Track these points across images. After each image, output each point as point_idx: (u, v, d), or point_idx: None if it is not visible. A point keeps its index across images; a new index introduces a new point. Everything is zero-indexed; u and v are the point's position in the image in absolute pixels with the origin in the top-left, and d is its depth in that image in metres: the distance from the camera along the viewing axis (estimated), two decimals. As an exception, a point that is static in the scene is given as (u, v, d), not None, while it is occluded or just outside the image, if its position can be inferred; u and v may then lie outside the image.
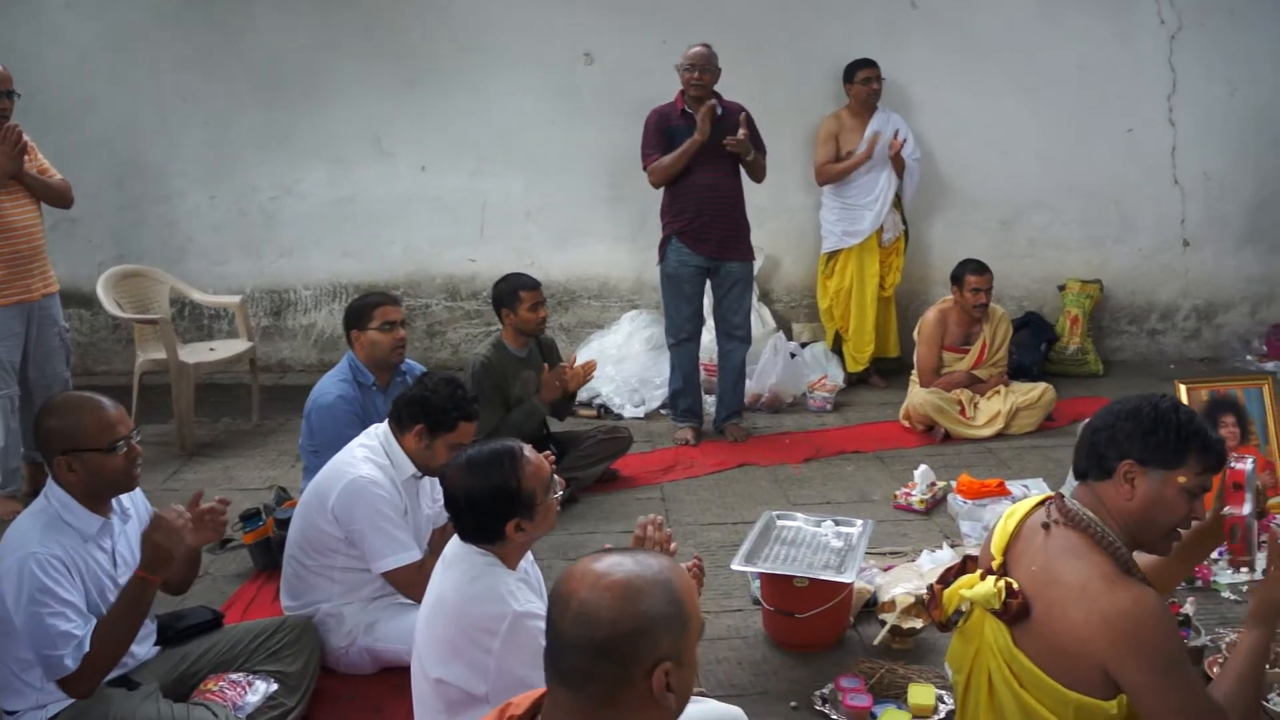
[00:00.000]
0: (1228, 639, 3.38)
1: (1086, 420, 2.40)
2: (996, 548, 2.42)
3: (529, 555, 2.74)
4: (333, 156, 6.91)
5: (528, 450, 2.57)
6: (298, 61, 6.77)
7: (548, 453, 2.69)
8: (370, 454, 3.36)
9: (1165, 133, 7.36)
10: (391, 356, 4.13)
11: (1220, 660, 3.09)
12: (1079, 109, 7.21)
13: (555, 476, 2.63)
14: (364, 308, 4.15)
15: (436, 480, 3.44)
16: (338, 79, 6.79)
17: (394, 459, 3.37)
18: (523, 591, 2.49)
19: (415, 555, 3.29)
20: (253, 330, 6.40)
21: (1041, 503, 2.45)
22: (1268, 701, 3.07)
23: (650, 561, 1.61)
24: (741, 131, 5.38)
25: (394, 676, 3.27)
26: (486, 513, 2.50)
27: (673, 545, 2.82)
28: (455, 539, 2.58)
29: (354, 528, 3.27)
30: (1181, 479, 2.23)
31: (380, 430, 3.42)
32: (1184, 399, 4.66)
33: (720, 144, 5.36)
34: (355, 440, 3.45)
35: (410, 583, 3.25)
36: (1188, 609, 3.44)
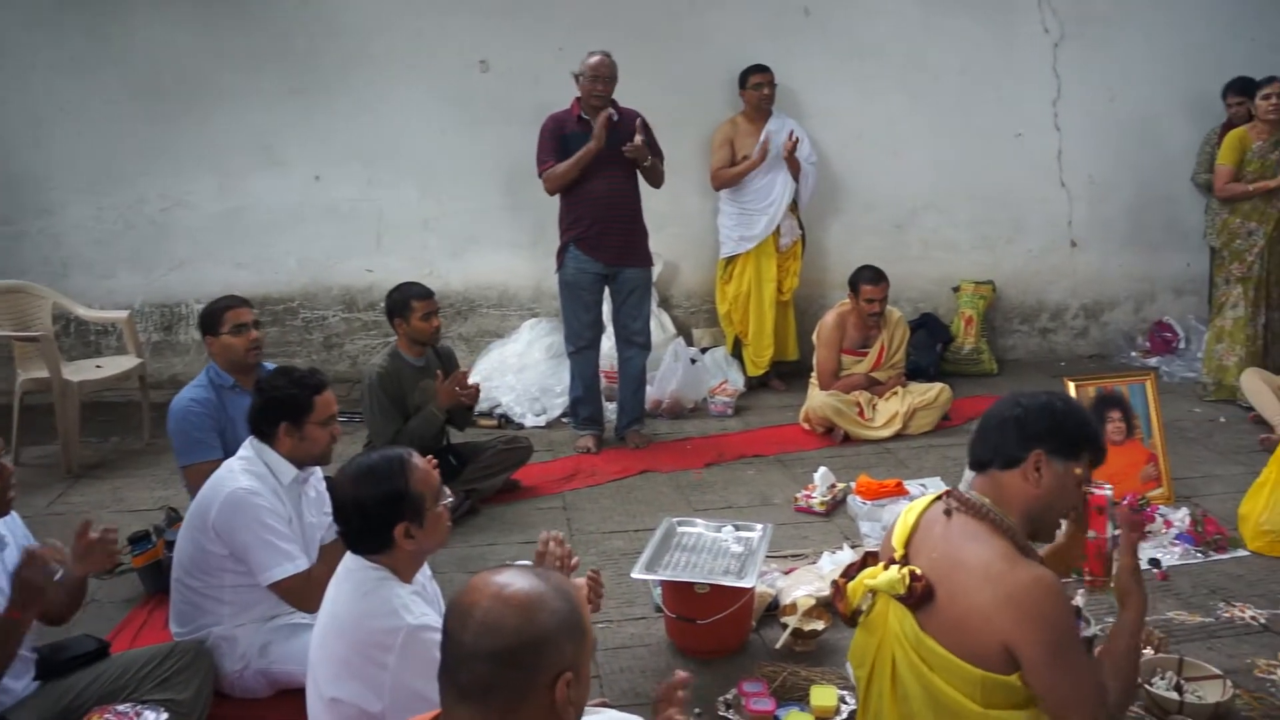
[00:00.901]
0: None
1: (986, 412, 2.48)
2: (897, 541, 2.50)
3: (425, 569, 2.69)
4: (222, 166, 6.75)
5: (415, 456, 2.54)
6: (181, 69, 6.60)
7: (430, 458, 2.64)
8: (248, 464, 3.27)
9: (1051, 137, 7.58)
10: (248, 358, 4.03)
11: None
12: (969, 114, 7.39)
13: (445, 488, 2.59)
14: (213, 313, 4.06)
15: (324, 492, 3.38)
16: (224, 87, 6.65)
17: (271, 466, 3.28)
18: (417, 604, 2.44)
19: (302, 564, 3.20)
20: (142, 346, 6.22)
21: (939, 498, 2.52)
22: (1151, 685, 3.16)
23: (548, 574, 1.65)
24: (638, 138, 5.39)
25: (291, 699, 3.17)
26: (375, 517, 2.45)
27: (574, 559, 2.81)
28: (349, 555, 2.53)
29: (237, 541, 3.18)
30: (1078, 470, 2.38)
31: (249, 442, 3.34)
32: (1072, 395, 4.79)
33: (617, 151, 5.37)
34: (233, 457, 3.36)
35: (300, 593, 3.17)
36: (1078, 600, 3.52)
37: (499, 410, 6.26)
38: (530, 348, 6.67)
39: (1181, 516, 4.58)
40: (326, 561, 3.10)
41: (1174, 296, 7.97)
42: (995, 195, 7.59)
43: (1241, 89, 7.01)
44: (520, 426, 6.11)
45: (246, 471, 3.26)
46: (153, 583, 4.01)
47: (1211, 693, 3.16)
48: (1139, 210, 7.79)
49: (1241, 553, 4.37)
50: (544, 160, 5.48)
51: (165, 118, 6.63)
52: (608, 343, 6.00)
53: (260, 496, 3.20)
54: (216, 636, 3.28)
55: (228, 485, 3.22)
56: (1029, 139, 7.56)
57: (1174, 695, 3.11)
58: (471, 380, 4.94)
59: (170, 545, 3.85)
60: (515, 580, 1.61)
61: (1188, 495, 4.98)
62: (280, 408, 3.27)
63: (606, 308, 5.81)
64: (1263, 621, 3.78)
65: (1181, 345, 7.68)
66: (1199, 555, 4.34)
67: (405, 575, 2.50)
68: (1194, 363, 7.26)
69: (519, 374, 6.47)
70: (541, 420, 6.19)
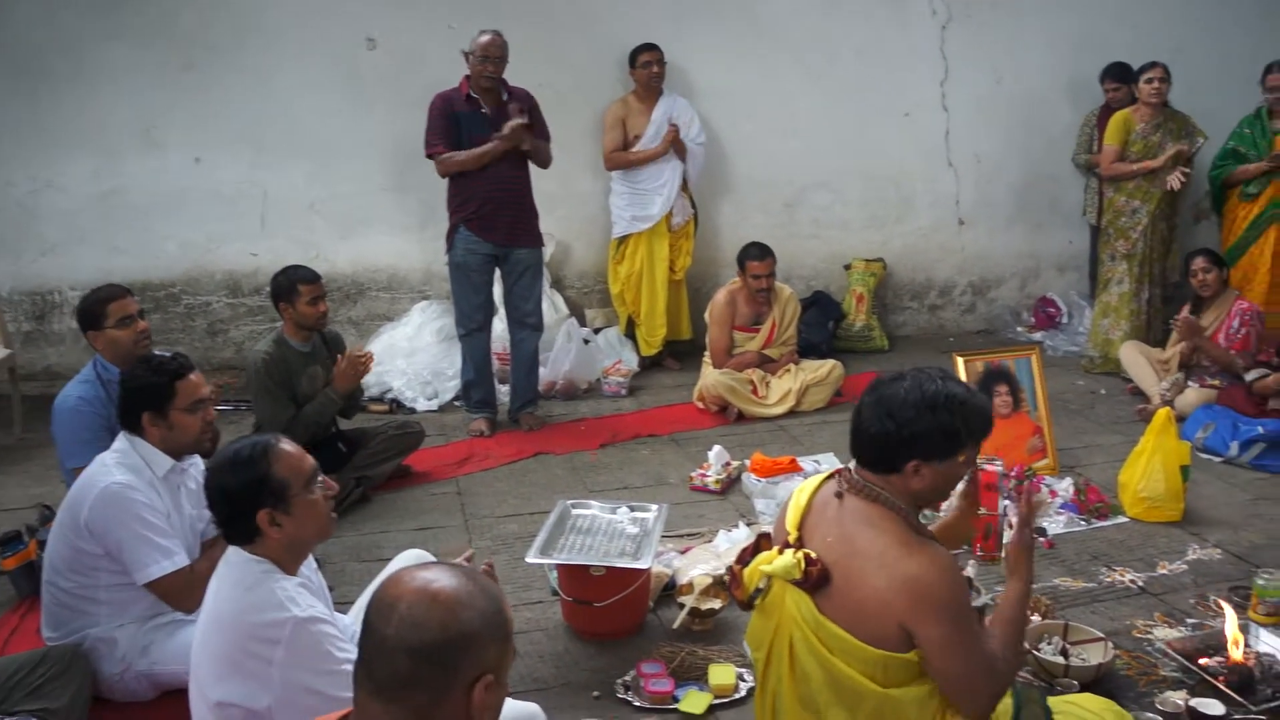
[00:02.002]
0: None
1: (859, 409, 2.41)
2: (791, 523, 2.49)
3: (311, 561, 2.61)
4: (97, 147, 6.49)
5: (284, 442, 2.45)
6: (55, 44, 6.31)
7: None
8: (121, 458, 3.13)
9: (939, 117, 7.70)
10: (137, 350, 3.84)
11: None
12: (860, 93, 7.47)
13: (323, 477, 2.50)
14: (94, 306, 3.83)
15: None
16: (101, 64, 6.38)
17: (146, 457, 3.15)
18: (304, 596, 2.36)
19: (181, 561, 3.07)
20: (10, 336, 5.95)
21: (830, 477, 2.52)
22: (1038, 651, 3.23)
23: (476, 574, 1.62)
24: (515, 120, 5.31)
25: (176, 700, 3.04)
26: (237, 503, 2.37)
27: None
28: (231, 549, 2.44)
29: (112, 538, 3.04)
30: (962, 457, 2.38)
31: (122, 435, 3.20)
32: (961, 372, 4.88)
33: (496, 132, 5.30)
34: (107, 450, 3.22)
35: (179, 592, 3.05)
36: (969, 571, 3.58)
37: (390, 395, 6.15)
38: (421, 331, 6.56)
39: (1066, 486, 4.70)
40: (209, 557, 3.00)
41: (1057, 273, 8.18)
42: (885, 174, 7.69)
43: (1119, 74, 7.22)
44: (412, 411, 6.01)
45: (120, 465, 3.12)
46: (25, 585, 3.83)
47: (1095, 655, 3.25)
48: (1023, 189, 7.97)
49: (1122, 519, 4.50)
50: (433, 142, 5.37)
51: (38, 94, 6.35)
52: (500, 325, 5.93)
53: (136, 491, 3.06)
54: (94, 639, 3.14)
55: (100, 481, 3.07)
56: (918, 119, 7.67)
57: (1060, 659, 3.19)
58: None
59: (44, 545, 3.68)
60: (442, 577, 1.57)
61: (1071, 465, 5.11)
62: (140, 397, 3.14)
63: (498, 289, 5.73)
64: (1141, 584, 3.90)
65: (1064, 320, 7.89)
66: (1082, 523, 4.45)
67: (288, 567, 2.42)
68: (1076, 337, 7.47)
69: (410, 358, 6.36)
70: (433, 404, 6.11)
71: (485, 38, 5.30)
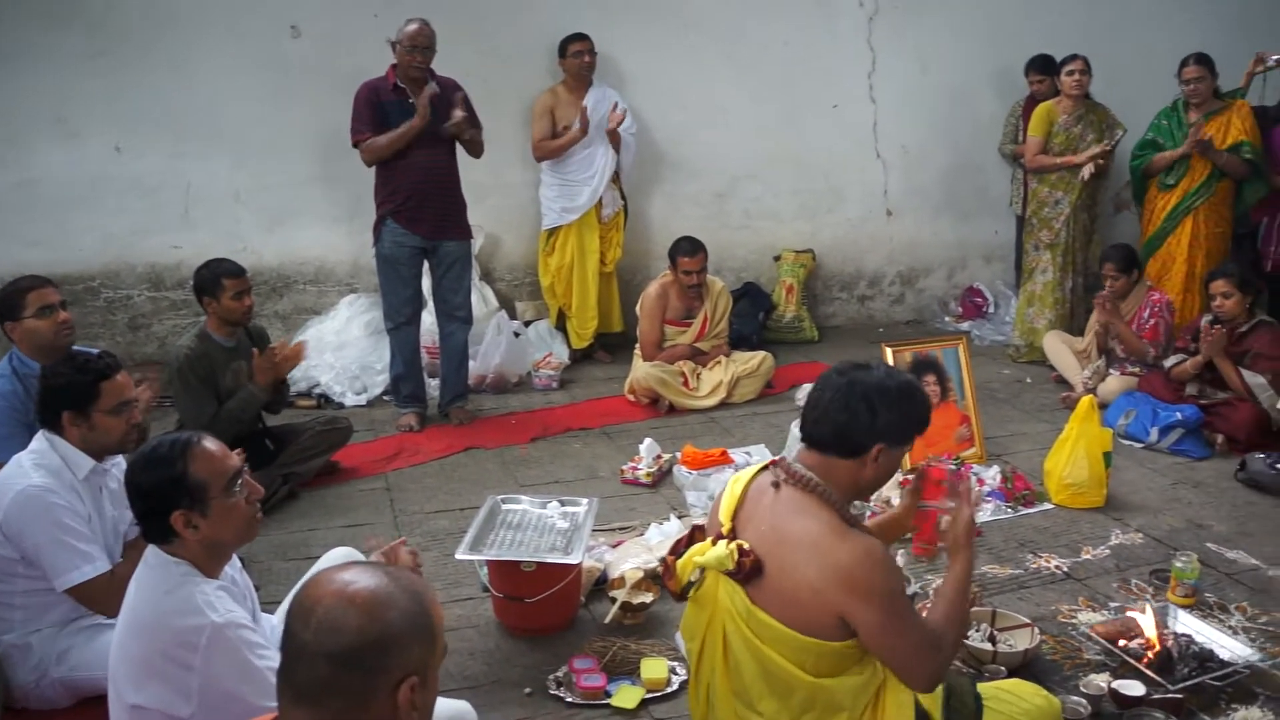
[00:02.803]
0: (935, 585, 3.57)
1: (822, 391, 2.41)
2: (725, 514, 2.49)
3: (235, 562, 2.55)
4: (8, 135, 6.26)
5: (206, 440, 2.37)
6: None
7: (239, 451, 2.48)
8: (39, 459, 3.03)
9: (867, 108, 7.76)
10: (58, 341, 3.73)
11: (929, 605, 3.26)
12: (788, 85, 7.50)
13: (245, 477, 2.42)
14: (12, 296, 3.72)
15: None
16: (15, 48, 6.15)
17: (66, 458, 3.05)
18: (223, 600, 2.30)
19: (103, 566, 2.99)
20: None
21: (765, 467, 2.52)
22: (967, 639, 3.27)
23: (399, 573, 1.58)
24: (457, 112, 5.27)
25: (96, 707, 2.96)
26: (152, 504, 2.30)
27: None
28: (151, 549, 2.37)
29: (29, 543, 2.94)
30: (908, 451, 2.44)
31: (40, 434, 3.11)
32: (890, 361, 4.92)
33: (433, 124, 5.23)
34: (24, 451, 3.12)
35: (100, 598, 2.96)
36: (899, 560, 3.62)
37: (318, 390, 6.06)
38: (349, 324, 6.46)
39: (993, 474, 4.76)
40: (130, 559, 2.91)
41: (984, 263, 8.30)
42: (815, 165, 7.73)
43: (1042, 67, 7.33)
44: (340, 406, 5.93)
45: (38, 466, 3.02)
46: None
47: (1021, 640, 3.31)
48: (950, 180, 8.07)
49: (1047, 506, 4.59)
50: (359, 130, 5.29)
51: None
52: (429, 318, 5.87)
53: (55, 494, 2.97)
54: (7, 645, 3.04)
55: (17, 482, 2.97)
56: (846, 110, 7.72)
57: (988, 646, 3.24)
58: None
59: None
60: (361, 578, 1.53)
61: (998, 453, 5.19)
62: (61, 396, 3.04)
63: (426, 282, 5.67)
64: (1065, 570, 3.97)
65: (991, 310, 8.01)
66: (1009, 510, 4.53)
67: (209, 569, 2.35)
68: (1003, 326, 7.58)
69: (338, 352, 6.27)
70: (362, 399, 6.03)
71: (413, 26, 5.22)
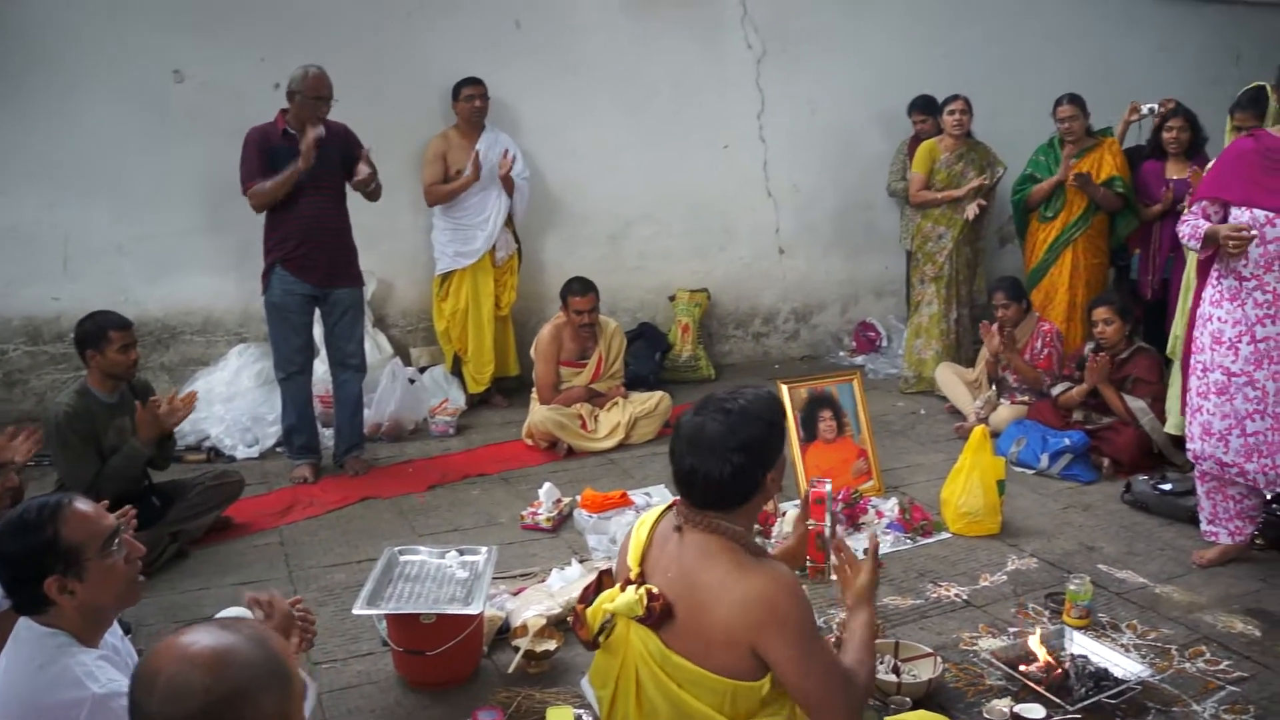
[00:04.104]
0: (838, 618, 3.59)
1: (689, 462, 2.35)
2: (633, 558, 2.47)
3: (117, 629, 2.43)
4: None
5: (78, 501, 2.26)
6: None
7: (128, 509, 2.37)
8: None
9: (758, 149, 7.88)
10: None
11: (834, 639, 3.27)
12: (680, 126, 7.57)
13: (124, 537, 2.31)
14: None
15: None
16: None
17: None
18: (104, 670, 2.18)
19: None
20: None
21: (669, 509, 2.51)
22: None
23: (240, 623, 1.52)
24: (362, 167, 5.23)
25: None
26: (21, 572, 2.18)
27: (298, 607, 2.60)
28: (23, 621, 2.25)
29: None
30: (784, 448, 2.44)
31: None
32: (786, 399, 4.96)
33: (323, 169, 5.17)
34: None
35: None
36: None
37: (208, 443, 5.88)
38: (239, 375, 6.30)
39: (891, 506, 4.82)
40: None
41: (875, 298, 8.46)
42: (707, 205, 7.81)
43: (925, 106, 7.55)
44: (231, 459, 5.76)
45: None
46: None
47: (925, 670, 3.33)
48: (840, 217, 8.22)
49: (945, 535, 4.65)
50: (249, 177, 5.17)
51: None
52: (321, 366, 5.75)
53: None
54: None
55: None
56: (737, 151, 7.83)
57: (892, 677, 3.25)
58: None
59: None
60: (201, 637, 1.46)
61: (895, 485, 5.26)
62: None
63: (318, 330, 5.56)
64: (965, 598, 4.02)
65: (884, 343, 8.16)
66: (908, 541, 4.58)
67: (88, 638, 2.23)
68: (896, 359, 7.72)
69: (228, 403, 6.10)
70: (254, 451, 5.87)
71: (312, 73, 5.12)
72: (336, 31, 6.49)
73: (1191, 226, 4.05)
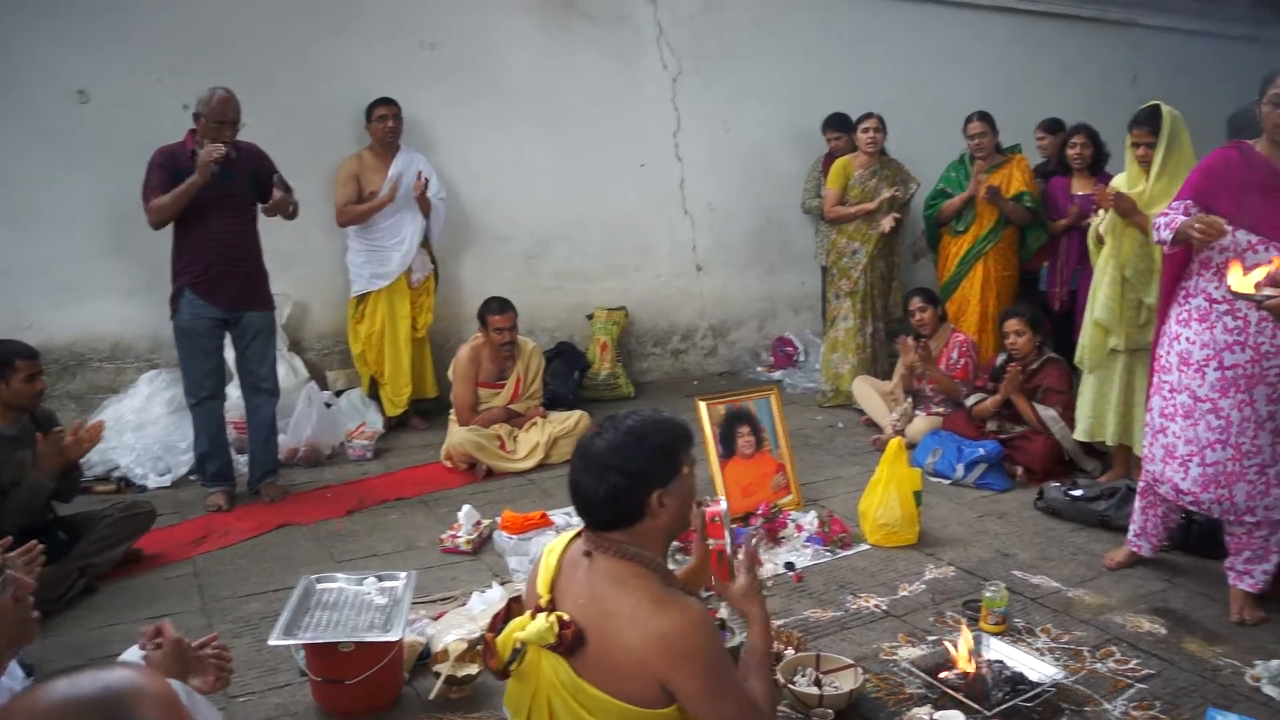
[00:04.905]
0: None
1: (576, 480, 2.39)
2: (543, 585, 2.45)
3: (16, 671, 2.35)
4: None
5: None
6: None
7: (33, 544, 2.28)
8: None
9: (674, 167, 7.93)
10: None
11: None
12: (596, 145, 7.59)
13: (9, 574, 2.22)
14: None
15: None
16: None
17: None
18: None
19: None
20: None
21: (578, 535, 2.49)
22: (794, 684, 3.30)
23: (98, 675, 1.34)
24: (276, 192, 5.15)
25: None
26: None
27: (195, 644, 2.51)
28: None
29: None
30: (685, 470, 2.42)
31: None
32: (704, 416, 4.98)
33: (232, 190, 5.08)
34: None
35: None
36: (723, 613, 3.63)
37: (117, 473, 5.73)
38: (149, 402, 6.15)
39: (810, 519, 4.86)
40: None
41: (792, 313, 8.54)
42: (624, 224, 7.83)
43: (838, 124, 7.68)
44: (142, 489, 5.62)
45: None
46: None
47: (846, 681, 3.35)
48: (756, 234, 8.30)
49: (864, 547, 4.70)
50: (150, 193, 5.04)
51: None
52: (235, 391, 5.65)
53: None
54: None
55: None
56: (653, 169, 7.87)
57: (814, 690, 3.26)
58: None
59: None
60: (49, 695, 1.29)
61: (814, 499, 5.30)
62: None
63: (230, 354, 5.46)
64: (884, 608, 4.06)
65: (801, 358, 8.24)
66: (828, 554, 4.61)
67: (-19, 681, 2.16)
68: (813, 374, 7.80)
69: (138, 432, 5.96)
70: (166, 480, 5.73)
71: (219, 98, 5.01)
72: (247, 49, 6.40)
73: (1168, 220, 3.90)
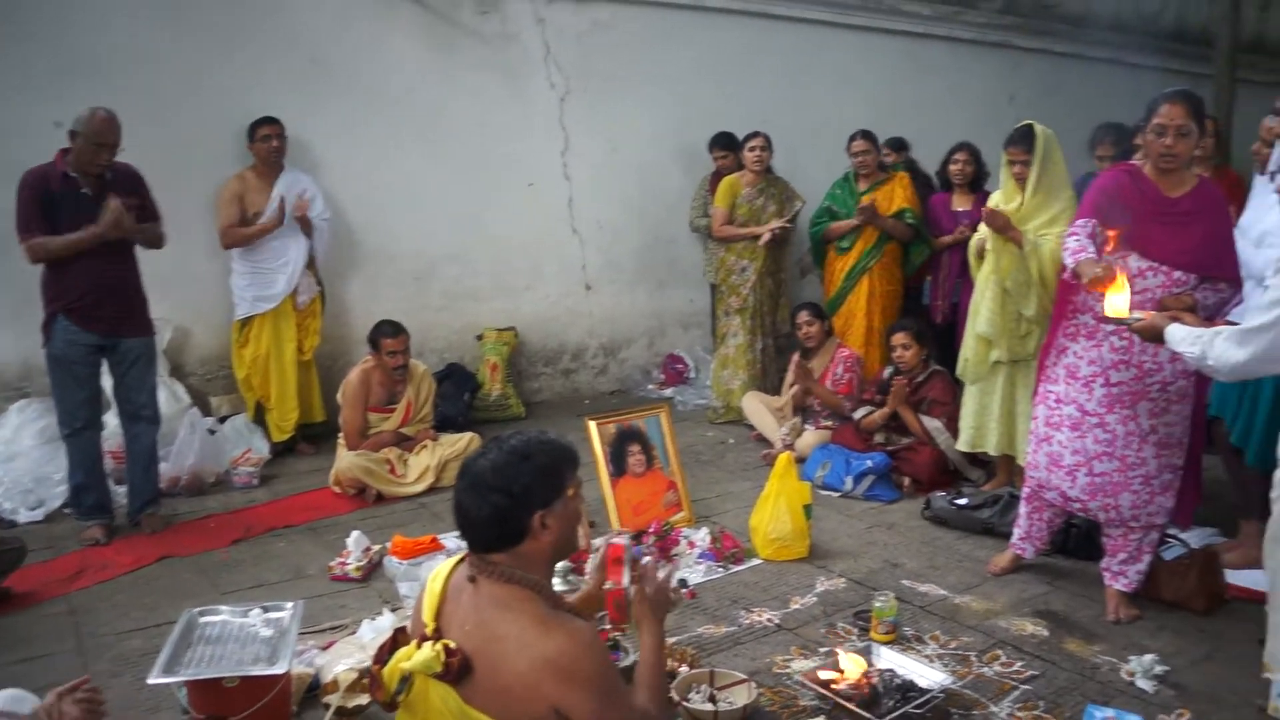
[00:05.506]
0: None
1: (459, 503, 2.38)
2: (428, 613, 2.42)
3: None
4: None
5: None
6: None
7: None
8: None
9: (562, 186, 7.93)
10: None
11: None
12: (484, 164, 7.56)
13: None
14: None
15: None
16: None
17: None
18: None
19: None
20: None
21: (462, 560, 2.46)
22: (688, 701, 3.31)
23: None
24: (114, 203, 4.94)
25: None
26: None
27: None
28: None
29: None
30: (571, 490, 2.41)
31: None
32: (594, 435, 4.98)
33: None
34: None
35: None
36: (615, 634, 3.63)
37: (-14, 509, 5.51)
38: (19, 433, 5.90)
39: (703, 536, 4.88)
40: None
41: (682, 330, 8.59)
42: (513, 243, 7.80)
43: (725, 143, 7.77)
44: (12, 524, 5.38)
45: None
46: None
47: (740, 697, 3.38)
48: (645, 252, 8.34)
49: (756, 562, 4.74)
50: (28, 227, 4.83)
51: None
52: (112, 420, 5.46)
53: None
54: None
55: None
56: (542, 189, 7.85)
57: (709, 706, 3.28)
58: None
59: None
60: None
61: (706, 515, 5.33)
62: None
63: (107, 381, 5.28)
64: (777, 622, 4.10)
65: (692, 375, 8.29)
66: (720, 570, 4.64)
67: None
68: (704, 390, 7.85)
69: (7, 464, 5.71)
70: (39, 514, 5.50)
71: (99, 120, 4.82)
72: (120, 67, 6.20)
73: (1077, 244, 3.94)
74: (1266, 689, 3.33)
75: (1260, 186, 4.56)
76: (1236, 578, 4.32)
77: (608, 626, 3.63)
